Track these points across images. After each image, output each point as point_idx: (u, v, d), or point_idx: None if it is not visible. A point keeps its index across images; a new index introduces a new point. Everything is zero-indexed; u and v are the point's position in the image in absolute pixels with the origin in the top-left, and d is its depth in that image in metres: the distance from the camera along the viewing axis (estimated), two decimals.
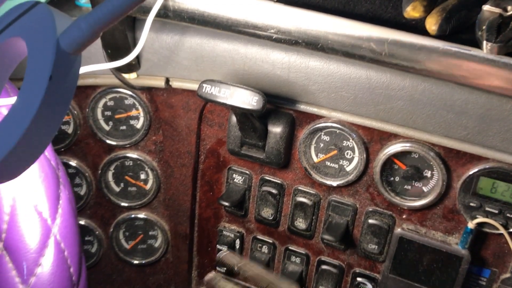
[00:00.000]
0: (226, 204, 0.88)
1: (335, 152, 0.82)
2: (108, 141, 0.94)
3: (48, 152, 0.72)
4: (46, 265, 0.67)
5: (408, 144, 0.76)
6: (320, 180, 0.83)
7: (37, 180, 0.69)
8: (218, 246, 0.97)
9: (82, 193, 1.00)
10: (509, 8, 0.62)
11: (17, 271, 0.66)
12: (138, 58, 0.83)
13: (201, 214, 0.98)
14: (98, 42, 0.80)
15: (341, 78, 0.74)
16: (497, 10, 0.62)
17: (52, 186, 0.70)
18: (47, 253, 0.67)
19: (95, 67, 0.75)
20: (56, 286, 0.67)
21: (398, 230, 0.82)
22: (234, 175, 0.91)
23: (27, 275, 0.66)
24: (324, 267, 0.91)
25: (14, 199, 0.67)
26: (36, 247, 0.67)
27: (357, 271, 0.89)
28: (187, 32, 0.80)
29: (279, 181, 0.88)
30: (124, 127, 0.94)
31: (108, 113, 0.93)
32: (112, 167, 0.99)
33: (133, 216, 1.02)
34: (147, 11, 0.72)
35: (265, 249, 0.95)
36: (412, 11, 0.67)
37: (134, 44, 0.79)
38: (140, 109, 0.92)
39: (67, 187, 0.73)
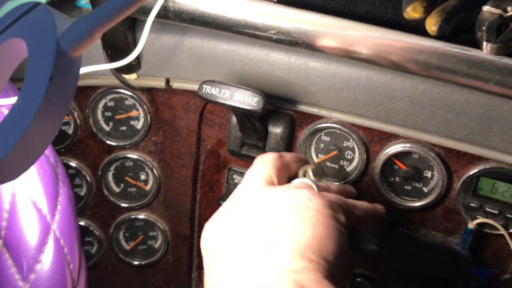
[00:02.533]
0: None
1: (335, 152, 0.82)
2: (108, 142, 0.94)
3: (47, 149, 0.72)
4: (46, 261, 0.67)
5: (408, 145, 0.76)
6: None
7: (36, 177, 0.69)
8: None
9: (82, 193, 1.00)
10: (509, 9, 0.62)
11: (17, 268, 0.66)
12: (138, 58, 0.83)
13: (201, 215, 0.98)
14: (98, 43, 0.80)
15: (341, 79, 0.74)
16: (497, 11, 0.62)
17: (51, 183, 0.70)
18: (47, 250, 0.68)
19: (95, 67, 0.75)
20: (56, 283, 0.67)
21: (398, 231, 0.82)
22: (234, 176, 0.91)
23: (27, 272, 0.66)
24: None
25: (13, 196, 0.68)
26: (36, 244, 0.67)
27: (357, 271, 0.89)
28: (187, 33, 0.80)
29: None
30: (124, 128, 0.94)
31: (108, 113, 0.93)
32: (112, 168, 0.99)
33: (133, 216, 1.02)
34: (147, 12, 0.72)
35: None
36: (412, 12, 0.67)
37: (134, 45, 0.79)
38: (140, 110, 0.92)
39: (66, 184, 0.73)
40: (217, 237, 0.57)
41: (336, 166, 0.83)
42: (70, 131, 0.94)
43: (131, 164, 0.98)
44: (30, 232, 0.67)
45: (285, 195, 0.58)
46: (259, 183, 0.61)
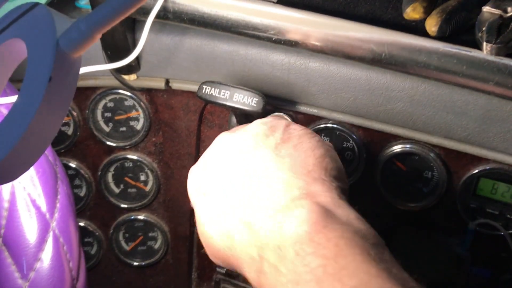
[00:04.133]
0: None
1: None
2: (108, 143, 0.94)
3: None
4: (46, 259, 0.67)
5: (408, 145, 0.76)
6: None
7: (35, 175, 0.69)
8: None
9: (82, 194, 1.00)
10: (509, 9, 0.62)
11: (17, 266, 0.67)
12: (138, 59, 0.83)
13: None
14: (98, 43, 0.80)
15: (341, 80, 0.74)
16: (497, 12, 0.62)
17: (50, 181, 0.70)
18: (46, 248, 0.68)
19: (95, 68, 0.75)
20: (56, 281, 0.68)
21: (398, 231, 0.82)
22: None
23: (26, 270, 0.67)
24: None
25: (12, 194, 0.68)
26: (35, 242, 0.67)
27: None
28: (187, 34, 0.80)
29: None
30: (124, 129, 0.94)
31: (108, 114, 0.93)
32: (112, 169, 0.98)
33: (133, 217, 1.02)
34: (147, 12, 0.72)
35: None
36: (412, 12, 0.67)
37: (134, 46, 0.79)
38: (140, 111, 0.92)
39: (65, 182, 0.73)
40: (215, 171, 0.57)
41: None
42: (70, 132, 0.94)
43: (131, 165, 0.98)
44: (29, 230, 0.67)
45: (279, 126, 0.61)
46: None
